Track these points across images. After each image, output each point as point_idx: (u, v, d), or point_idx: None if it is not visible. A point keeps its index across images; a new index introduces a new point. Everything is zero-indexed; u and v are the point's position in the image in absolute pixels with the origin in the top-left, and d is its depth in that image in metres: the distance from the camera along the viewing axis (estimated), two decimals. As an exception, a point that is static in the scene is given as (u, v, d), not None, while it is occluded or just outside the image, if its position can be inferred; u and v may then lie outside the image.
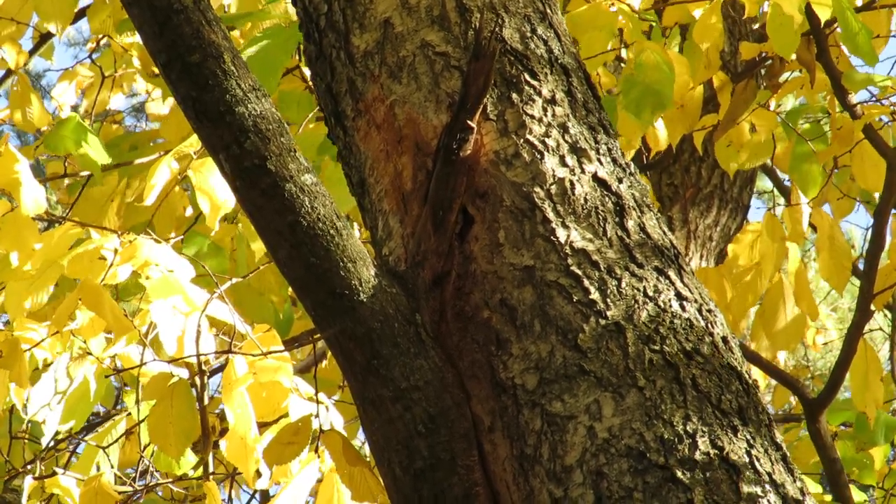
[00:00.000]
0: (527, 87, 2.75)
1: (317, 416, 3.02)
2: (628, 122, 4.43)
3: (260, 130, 2.51)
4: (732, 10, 5.73)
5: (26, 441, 4.69)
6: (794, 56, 4.66)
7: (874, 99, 4.87)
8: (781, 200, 6.70)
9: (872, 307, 4.63)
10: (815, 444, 4.80)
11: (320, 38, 2.91)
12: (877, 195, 4.80)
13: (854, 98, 4.70)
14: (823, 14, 4.30)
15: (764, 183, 8.74)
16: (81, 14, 5.83)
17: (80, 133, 4.30)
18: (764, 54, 4.94)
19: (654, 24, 4.65)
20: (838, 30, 4.42)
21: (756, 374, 5.39)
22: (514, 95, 2.74)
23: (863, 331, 4.67)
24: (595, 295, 2.56)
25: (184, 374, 3.37)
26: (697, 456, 2.40)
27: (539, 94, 2.75)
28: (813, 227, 4.95)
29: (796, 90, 5.08)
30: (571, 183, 2.67)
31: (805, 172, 4.87)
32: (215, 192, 4.17)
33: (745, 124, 4.96)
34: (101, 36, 5.92)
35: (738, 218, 5.88)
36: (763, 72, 5.15)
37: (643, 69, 4.31)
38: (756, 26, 5.76)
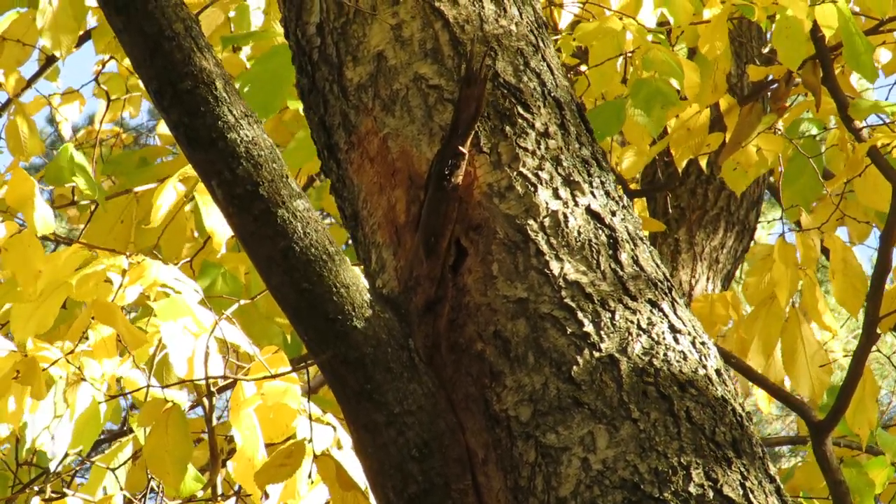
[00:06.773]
0: (520, 120, 2.75)
1: (310, 440, 3.01)
2: (636, 128, 4.38)
3: (252, 156, 2.51)
4: (739, 34, 5.72)
5: (32, 467, 4.69)
6: (798, 80, 4.64)
7: (883, 122, 4.84)
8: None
9: (878, 330, 4.60)
10: (821, 467, 4.77)
11: (313, 71, 2.91)
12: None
13: (861, 122, 4.67)
14: (828, 32, 4.27)
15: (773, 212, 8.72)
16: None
17: (74, 164, 4.31)
18: (770, 77, 4.92)
19: (662, 41, 4.64)
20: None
21: (762, 397, 5.36)
22: (508, 128, 2.74)
23: (868, 354, 4.64)
24: (589, 327, 2.55)
25: (181, 398, 3.36)
26: (692, 488, 2.40)
27: (532, 127, 2.75)
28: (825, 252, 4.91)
29: (802, 113, 5.04)
30: (565, 216, 2.66)
31: (802, 186, 4.81)
32: (220, 214, 4.17)
33: (752, 147, 4.93)
34: (106, 58, 5.93)
35: (745, 240, 5.88)
36: (769, 95, 5.13)
37: (651, 64, 4.29)
38: (765, 50, 5.76)
